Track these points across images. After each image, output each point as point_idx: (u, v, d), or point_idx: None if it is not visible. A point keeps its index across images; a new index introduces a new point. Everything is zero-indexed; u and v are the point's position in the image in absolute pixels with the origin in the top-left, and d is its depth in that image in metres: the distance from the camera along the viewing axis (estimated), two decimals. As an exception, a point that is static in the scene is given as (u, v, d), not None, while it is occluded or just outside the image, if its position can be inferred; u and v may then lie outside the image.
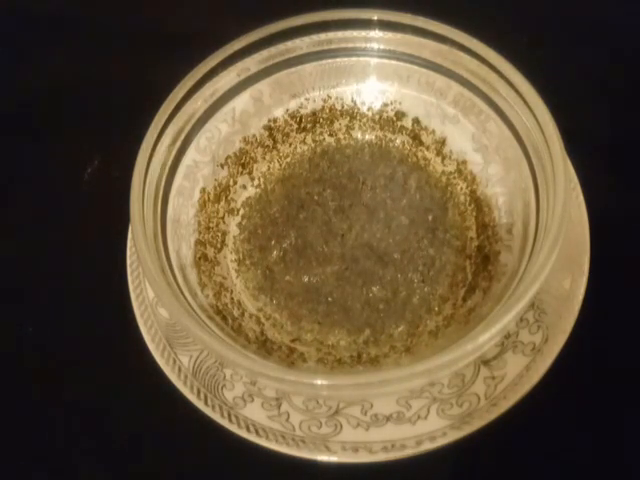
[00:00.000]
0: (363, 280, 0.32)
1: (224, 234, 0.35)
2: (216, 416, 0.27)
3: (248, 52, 0.34)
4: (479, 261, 0.32)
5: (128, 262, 0.32)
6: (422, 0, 0.35)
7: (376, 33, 0.35)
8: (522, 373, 0.27)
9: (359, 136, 0.38)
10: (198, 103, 0.33)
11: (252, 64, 0.35)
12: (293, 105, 0.37)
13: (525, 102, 0.30)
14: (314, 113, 0.38)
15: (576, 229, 0.31)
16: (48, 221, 0.39)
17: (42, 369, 0.33)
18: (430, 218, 0.34)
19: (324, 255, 0.33)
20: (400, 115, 0.37)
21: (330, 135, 0.38)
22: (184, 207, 0.33)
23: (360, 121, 0.38)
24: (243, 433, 0.27)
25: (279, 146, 0.38)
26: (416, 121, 0.37)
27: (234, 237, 0.35)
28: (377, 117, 0.38)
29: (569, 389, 0.29)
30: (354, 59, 0.36)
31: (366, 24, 0.35)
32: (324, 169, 0.37)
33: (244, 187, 0.37)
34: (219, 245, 0.34)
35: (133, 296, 0.31)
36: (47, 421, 0.32)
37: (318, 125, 0.38)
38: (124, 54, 0.46)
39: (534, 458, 0.29)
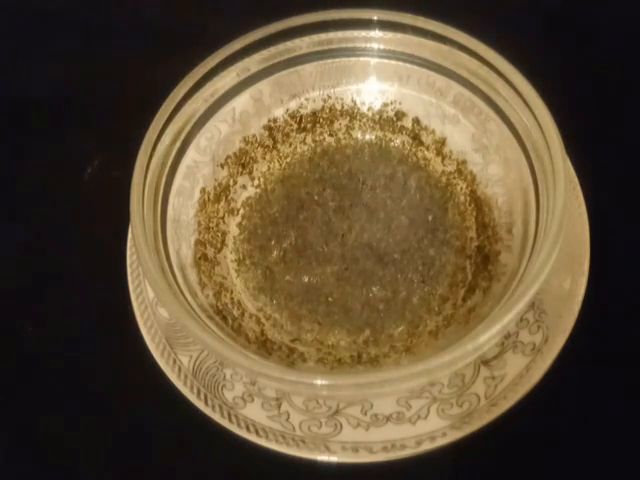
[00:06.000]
0: (363, 280, 0.32)
1: (224, 234, 0.35)
2: (216, 416, 0.27)
3: (248, 52, 0.34)
4: (479, 261, 0.32)
5: (128, 262, 0.32)
6: (422, 0, 0.35)
7: (376, 33, 0.35)
8: (522, 373, 0.27)
9: (359, 136, 0.38)
10: (198, 103, 0.33)
11: (252, 64, 0.35)
12: (293, 105, 0.37)
13: (525, 102, 0.30)
14: (314, 113, 0.38)
15: (576, 229, 0.31)
16: (48, 221, 0.39)
17: (42, 369, 0.33)
18: (430, 218, 0.34)
19: (324, 255, 0.33)
20: (400, 115, 0.37)
21: (330, 135, 0.38)
22: (184, 207, 0.33)
23: (360, 121, 0.38)
24: (243, 433, 0.27)
25: (279, 146, 0.38)
26: (416, 121, 0.37)
27: (234, 237, 0.35)
28: (377, 117, 0.38)
29: (569, 389, 0.30)
30: (354, 59, 0.36)
31: (366, 24, 0.35)
32: (324, 169, 0.37)
33: (244, 187, 0.37)
34: (219, 245, 0.34)
35: (133, 296, 0.31)
36: (47, 421, 0.32)
37: (318, 125, 0.38)
38: (124, 54, 0.46)
39: (534, 458, 0.29)
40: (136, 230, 0.28)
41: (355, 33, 0.35)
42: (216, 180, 0.35)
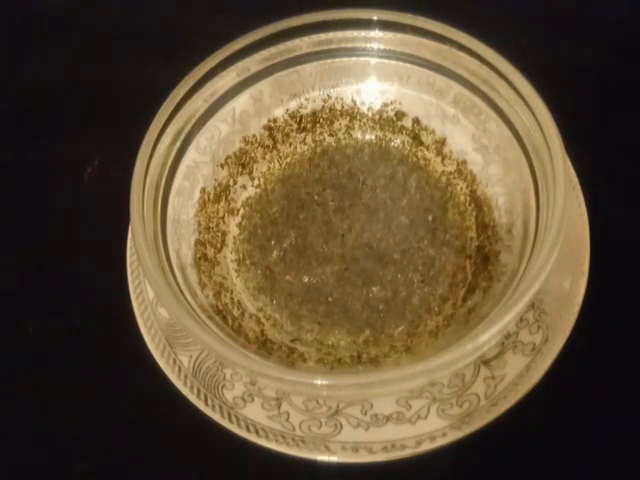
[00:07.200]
0: (363, 280, 0.32)
1: (224, 234, 0.35)
2: (216, 416, 0.27)
3: (248, 52, 0.34)
4: (479, 261, 0.32)
5: (128, 262, 0.32)
6: (422, 0, 0.35)
7: (376, 33, 0.35)
8: (522, 373, 0.27)
9: (359, 136, 0.38)
10: (198, 103, 0.33)
11: (252, 64, 0.35)
12: (293, 105, 0.37)
13: (525, 102, 0.30)
14: (314, 113, 0.38)
15: (576, 229, 0.31)
16: (48, 221, 0.39)
17: (42, 369, 0.33)
18: (430, 218, 0.34)
19: (324, 255, 0.33)
20: (400, 115, 0.37)
21: (330, 135, 0.38)
22: (184, 207, 0.33)
23: (360, 121, 0.38)
24: (243, 433, 0.27)
25: (279, 146, 0.38)
26: (416, 121, 0.37)
27: (234, 237, 0.35)
28: (377, 117, 0.38)
29: (569, 389, 0.29)
30: (354, 59, 0.36)
31: (366, 24, 0.35)
32: (324, 169, 0.37)
33: (244, 187, 0.37)
34: (219, 245, 0.34)
35: (133, 296, 0.31)
36: (47, 421, 0.32)
37: (318, 125, 0.38)
38: (124, 54, 0.46)
39: (534, 458, 0.29)
40: (136, 230, 0.27)
41: (355, 33, 0.35)
42: (216, 180, 0.35)
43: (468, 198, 0.35)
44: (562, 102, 0.30)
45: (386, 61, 0.36)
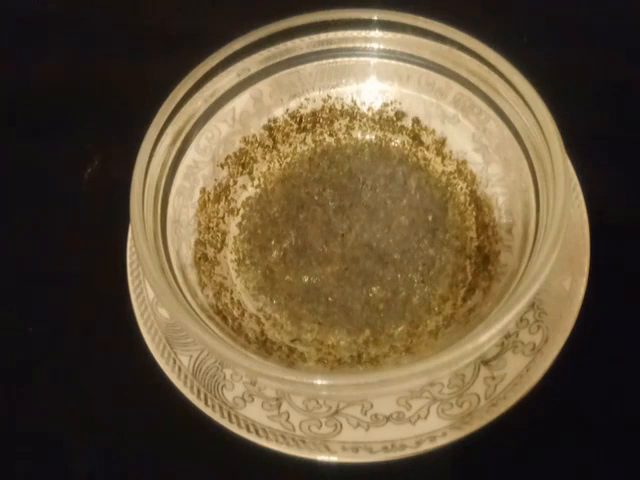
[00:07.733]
0: (363, 280, 0.32)
1: (224, 234, 0.35)
2: (216, 416, 0.27)
3: (248, 52, 0.34)
4: (479, 261, 0.32)
5: (128, 262, 0.32)
6: (422, 0, 0.35)
7: (376, 33, 0.35)
8: (522, 373, 0.27)
9: (359, 136, 0.38)
10: (198, 103, 0.33)
11: (252, 64, 0.35)
12: (293, 105, 0.37)
13: (525, 102, 0.30)
14: (314, 113, 0.38)
15: (576, 229, 0.31)
16: (48, 221, 0.39)
17: (42, 369, 0.33)
18: (430, 218, 0.34)
19: (324, 255, 0.33)
20: (400, 115, 0.37)
21: (330, 135, 0.38)
22: (184, 207, 0.33)
23: (360, 121, 0.38)
24: (243, 433, 0.27)
25: (279, 146, 0.38)
26: (416, 121, 0.37)
27: (234, 237, 0.35)
28: (377, 117, 0.38)
29: (569, 389, 0.30)
30: (354, 59, 0.36)
31: (366, 24, 0.35)
32: (324, 169, 0.37)
33: (244, 187, 0.37)
34: (219, 245, 0.34)
35: (133, 296, 0.31)
36: (47, 421, 0.32)
37: (318, 125, 0.38)
38: (124, 54, 0.46)
39: (534, 458, 0.29)
40: (136, 230, 0.28)
41: (355, 33, 0.35)
42: (216, 180, 0.35)
43: (468, 198, 0.35)
44: (562, 102, 0.30)
45: (386, 61, 0.36)
